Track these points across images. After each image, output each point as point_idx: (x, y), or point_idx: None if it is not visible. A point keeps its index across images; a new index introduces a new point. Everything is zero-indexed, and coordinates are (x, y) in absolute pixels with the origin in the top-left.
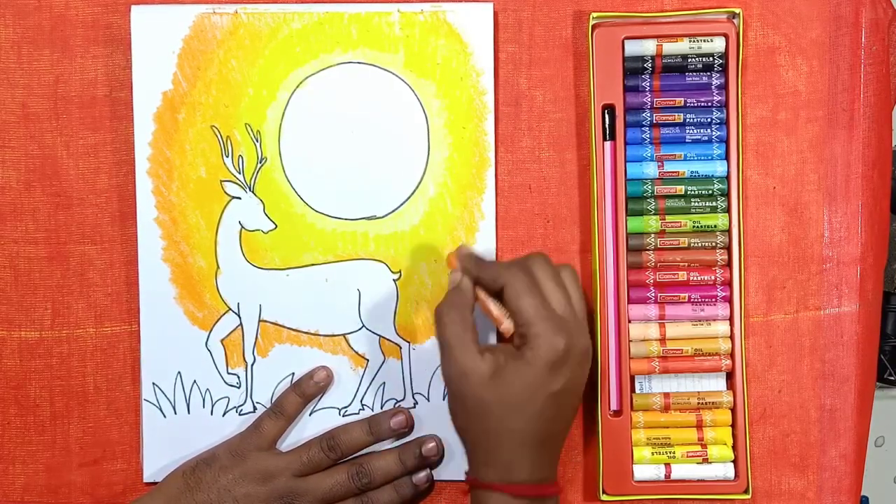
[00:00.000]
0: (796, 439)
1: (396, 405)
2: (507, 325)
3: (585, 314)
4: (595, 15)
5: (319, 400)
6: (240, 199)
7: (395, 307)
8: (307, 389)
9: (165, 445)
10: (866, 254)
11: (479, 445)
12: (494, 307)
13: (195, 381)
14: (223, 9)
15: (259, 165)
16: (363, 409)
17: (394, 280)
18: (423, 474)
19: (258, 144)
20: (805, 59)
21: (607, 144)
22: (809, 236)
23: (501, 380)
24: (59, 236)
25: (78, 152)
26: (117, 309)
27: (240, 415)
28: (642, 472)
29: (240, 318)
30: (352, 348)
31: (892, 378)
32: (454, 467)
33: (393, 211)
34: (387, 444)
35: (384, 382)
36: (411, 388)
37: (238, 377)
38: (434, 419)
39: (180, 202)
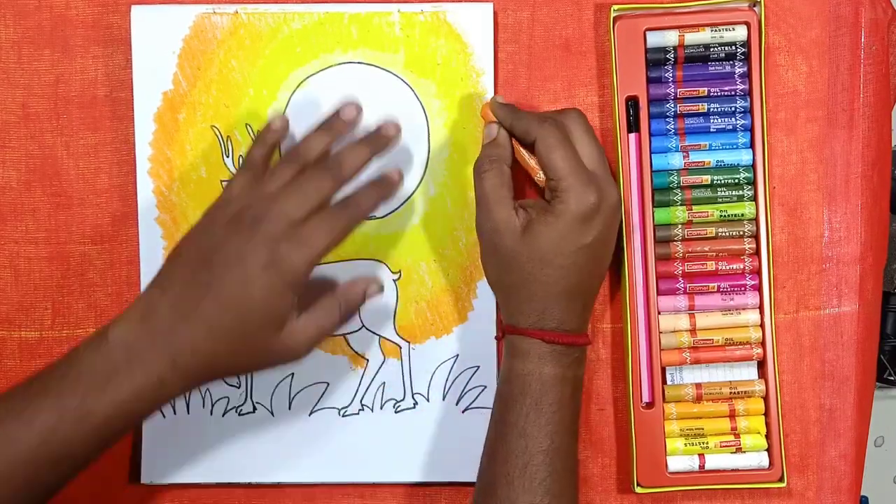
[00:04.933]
0: (796, 439)
1: (396, 405)
2: (541, 176)
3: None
4: (616, 7)
5: (319, 400)
6: None
7: (395, 307)
8: (268, 139)
9: (164, 446)
10: (866, 254)
11: (512, 296)
12: (528, 157)
13: None
14: (223, 9)
15: None
16: (363, 410)
17: (394, 280)
18: (388, 123)
19: None
20: (805, 58)
21: (632, 137)
22: (809, 236)
23: (533, 233)
24: (59, 236)
25: (78, 152)
26: (117, 309)
27: (239, 415)
28: (676, 463)
29: None
30: (351, 348)
31: (892, 378)
32: (452, 470)
33: (393, 211)
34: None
35: (384, 382)
36: (411, 388)
37: (238, 377)
38: (434, 420)
39: (181, 202)
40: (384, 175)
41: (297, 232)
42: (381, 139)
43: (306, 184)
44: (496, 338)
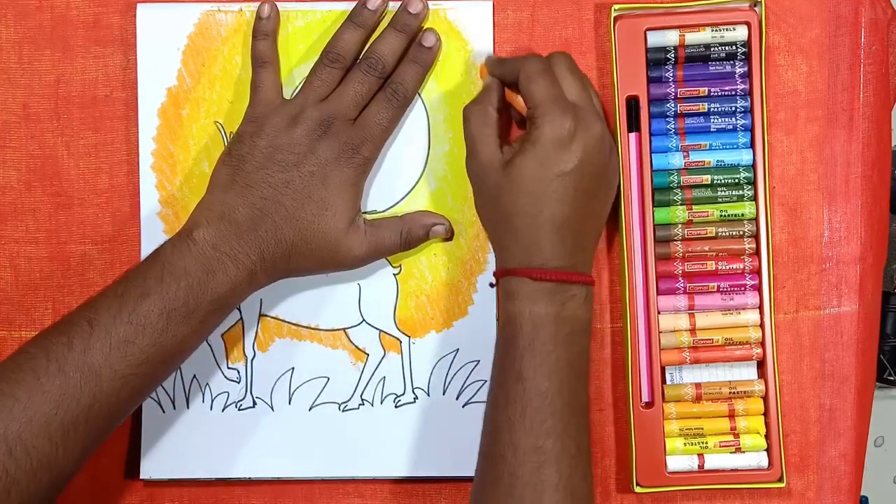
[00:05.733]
0: (796, 439)
1: (396, 400)
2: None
3: (604, 113)
4: (616, 7)
5: (319, 395)
6: None
7: (396, 302)
8: (263, 28)
9: (163, 441)
10: (866, 254)
11: (499, 234)
12: (519, 100)
13: (195, 376)
14: (227, 7)
15: None
16: (363, 404)
17: (394, 274)
18: (428, 34)
19: None
20: (805, 58)
21: (632, 136)
22: (809, 236)
23: (513, 164)
24: (59, 236)
25: (79, 152)
26: None
27: (239, 410)
28: (675, 463)
29: (240, 312)
30: (352, 343)
31: (892, 378)
32: (452, 465)
33: (394, 205)
34: None
35: (384, 377)
36: (411, 382)
37: (238, 372)
38: (435, 414)
39: (183, 197)
40: (418, 45)
41: (358, 126)
42: (412, 18)
43: (358, 86)
44: (491, 284)
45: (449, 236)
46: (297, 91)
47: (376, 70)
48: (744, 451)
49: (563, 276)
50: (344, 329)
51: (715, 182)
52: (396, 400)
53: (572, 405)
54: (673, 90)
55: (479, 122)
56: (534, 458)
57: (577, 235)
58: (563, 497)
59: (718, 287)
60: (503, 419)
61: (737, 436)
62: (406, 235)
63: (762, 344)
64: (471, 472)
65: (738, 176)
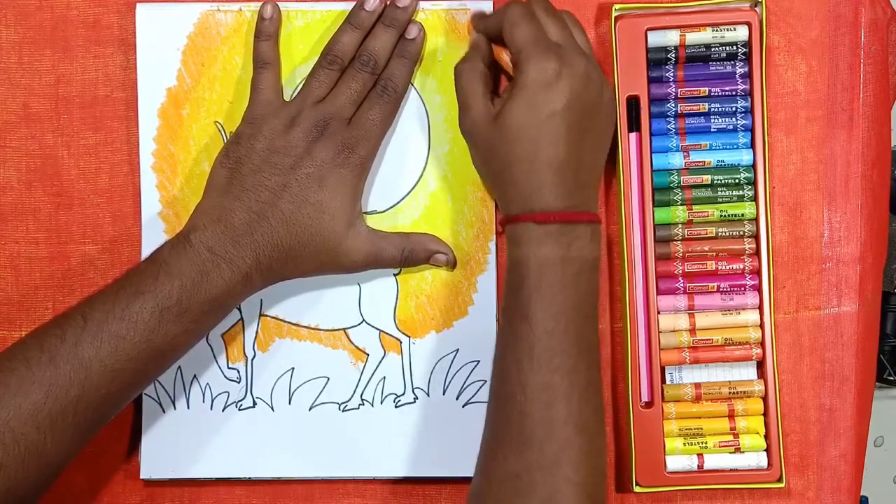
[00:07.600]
0: (796, 439)
1: (396, 400)
2: None
3: (591, 49)
4: (617, 7)
5: (319, 395)
6: None
7: (396, 302)
8: (266, 29)
9: (164, 441)
10: (866, 254)
11: (499, 185)
12: (504, 57)
13: (195, 376)
14: (227, 6)
15: None
16: (363, 404)
17: (394, 275)
18: (411, 27)
19: None
20: (804, 58)
21: (632, 136)
22: (809, 236)
23: (503, 113)
24: (59, 236)
25: (79, 152)
26: None
27: (239, 410)
28: (675, 462)
29: (240, 312)
30: (352, 343)
31: (892, 378)
32: (452, 465)
33: (394, 206)
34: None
35: (384, 377)
36: (411, 382)
37: (238, 372)
38: (434, 414)
39: (184, 197)
40: (403, 38)
41: (353, 125)
42: (401, 13)
43: (353, 83)
44: (497, 232)
45: (450, 267)
46: (296, 92)
47: (368, 67)
48: (743, 452)
49: (566, 216)
50: (344, 329)
51: (715, 182)
52: (396, 400)
53: (580, 343)
54: (673, 90)
55: (470, 78)
56: (543, 395)
57: (577, 174)
58: (574, 431)
59: (718, 287)
60: (511, 359)
61: (736, 436)
62: (407, 254)
63: (762, 344)
64: (471, 472)
65: (738, 176)
